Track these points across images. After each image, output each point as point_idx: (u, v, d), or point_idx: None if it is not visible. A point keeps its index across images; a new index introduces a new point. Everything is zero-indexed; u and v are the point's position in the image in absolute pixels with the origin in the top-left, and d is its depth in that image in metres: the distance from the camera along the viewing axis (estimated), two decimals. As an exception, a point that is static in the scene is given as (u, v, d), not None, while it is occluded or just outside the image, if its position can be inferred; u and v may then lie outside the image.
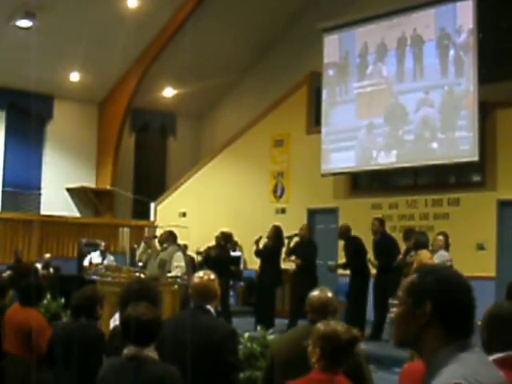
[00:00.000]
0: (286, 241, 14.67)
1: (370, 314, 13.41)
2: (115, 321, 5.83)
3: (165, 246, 13.42)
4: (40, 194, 22.66)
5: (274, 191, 19.87)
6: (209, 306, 5.07)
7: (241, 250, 19.50)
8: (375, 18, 17.12)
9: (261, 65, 22.48)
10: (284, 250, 14.64)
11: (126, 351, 4.25)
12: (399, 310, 2.58)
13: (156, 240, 15.11)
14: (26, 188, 22.35)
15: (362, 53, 17.35)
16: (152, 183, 24.75)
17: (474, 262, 14.94)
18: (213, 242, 15.81)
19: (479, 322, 3.67)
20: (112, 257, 18.37)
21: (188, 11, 20.10)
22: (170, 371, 4.29)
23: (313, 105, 19.26)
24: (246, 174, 20.64)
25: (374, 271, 13.62)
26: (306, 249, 14.49)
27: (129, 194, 23.81)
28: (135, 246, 19.24)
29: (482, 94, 15.21)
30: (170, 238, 13.37)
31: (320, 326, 4.12)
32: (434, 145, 15.91)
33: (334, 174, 17.98)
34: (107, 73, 21.74)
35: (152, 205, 23.36)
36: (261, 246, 14.64)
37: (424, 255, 11.43)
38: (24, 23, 18.91)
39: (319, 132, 18.10)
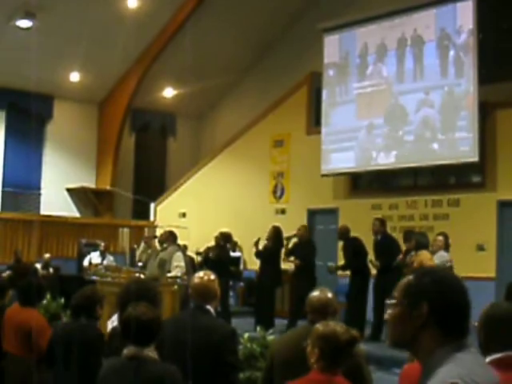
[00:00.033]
0: (284, 242, 14.68)
1: (369, 314, 13.41)
2: (113, 322, 5.83)
3: (165, 245, 13.42)
4: (40, 194, 22.65)
5: (274, 191, 19.87)
6: (209, 307, 5.07)
7: (240, 250, 19.50)
8: (375, 18, 17.12)
9: (261, 65, 22.48)
10: (283, 250, 14.65)
11: (126, 351, 4.25)
12: (395, 311, 2.59)
13: (156, 240, 15.11)
14: (26, 188, 22.35)
15: (362, 53, 17.35)
16: (152, 183, 24.75)
17: (474, 262, 14.94)
18: (212, 243, 15.81)
19: (476, 323, 3.68)
20: (111, 257, 18.37)
21: (188, 11, 20.10)
22: (171, 371, 4.29)
23: (313, 105, 19.26)
24: (246, 174, 20.64)
25: (374, 271, 13.62)
26: (304, 249, 14.49)
27: (129, 194, 23.81)
28: (135, 246, 19.23)
29: (482, 95, 15.21)
30: (170, 237, 13.37)
31: (319, 326, 4.12)
32: (434, 145, 15.91)
33: (334, 175, 17.98)
34: (107, 73, 21.74)
35: (152, 205, 23.36)
36: (260, 247, 14.63)
37: (424, 256, 11.45)
38: (24, 23, 18.91)
39: (319, 132, 18.09)
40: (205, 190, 21.53)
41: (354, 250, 13.92)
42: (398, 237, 14.01)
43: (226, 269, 14.80)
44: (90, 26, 19.01)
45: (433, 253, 11.82)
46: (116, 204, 23.77)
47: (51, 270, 18.33)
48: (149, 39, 21.00)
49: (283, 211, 19.44)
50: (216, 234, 15.84)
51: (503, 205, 15.23)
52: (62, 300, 11.01)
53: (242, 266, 19.29)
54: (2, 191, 21.98)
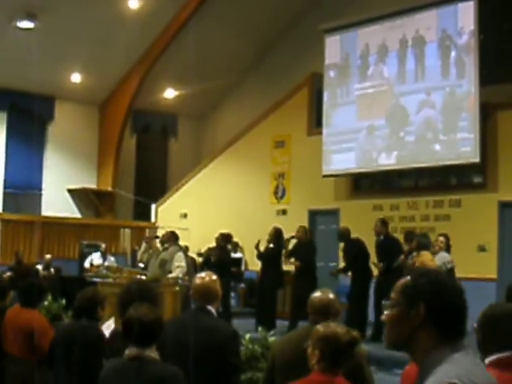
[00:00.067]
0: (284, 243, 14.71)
1: (371, 315, 13.40)
2: (109, 326, 5.84)
3: (166, 246, 13.44)
4: (41, 195, 22.66)
5: (275, 192, 19.88)
6: (210, 307, 5.07)
7: (242, 251, 19.49)
8: (377, 19, 17.12)
9: (262, 66, 22.49)
10: (284, 252, 14.65)
11: (127, 352, 4.25)
12: (392, 312, 2.61)
13: (157, 240, 15.12)
14: (27, 189, 22.36)
15: (364, 54, 17.35)
16: (153, 184, 24.75)
17: (476, 263, 14.95)
18: (213, 244, 15.81)
19: (475, 325, 3.69)
20: (112, 258, 18.40)
21: (189, 13, 20.11)
22: (173, 372, 4.29)
23: (314, 106, 19.26)
24: (247, 175, 20.64)
25: (375, 272, 13.60)
26: (304, 250, 14.49)
27: (130, 195, 23.82)
28: (136, 247, 19.25)
29: (483, 96, 15.21)
30: (171, 238, 13.39)
31: (319, 327, 4.13)
32: (436, 146, 15.91)
33: (335, 176, 17.99)
34: (108, 74, 21.76)
35: (153, 206, 23.36)
36: (261, 248, 14.63)
37: (426, 256, 11.45)
38: (25, 24, 18.93)
39: (320, 133, 18.10)
40: (206, 190, 21.53)
41: (355, 251, 13.92)
42: (399, 237, 14.00)
43: (227, 270, 14.80)
44: (91, 26, 19.04)
45: (434, 254, 11.82)
46: (117, 205, 23.78)
47: (52, 270, 18.34)
48: (150, 40, 21.01)
49: (284, 212, 19.45)
50: (216, 235, 15.84)
51: (504, 205, 15.23)
52: (64, 301, 11.02)
53: (243, 267, 19.28)
54: (4, 192, 21.99)
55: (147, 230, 21.72)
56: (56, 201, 22.44)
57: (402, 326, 2.56)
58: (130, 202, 24.06)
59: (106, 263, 17.33)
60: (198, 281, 5.16)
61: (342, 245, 15.04)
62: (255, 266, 16.38)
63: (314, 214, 18.81)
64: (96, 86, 22.32)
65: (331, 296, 4.79)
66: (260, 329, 8.30)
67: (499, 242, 15.23)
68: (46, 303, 10.52)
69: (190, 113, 24.54)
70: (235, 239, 18.75)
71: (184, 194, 22.47)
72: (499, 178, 15.34)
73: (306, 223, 17.96)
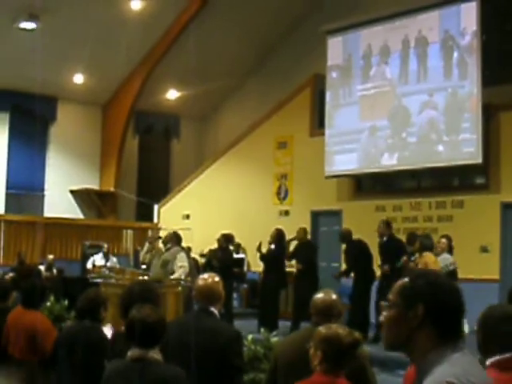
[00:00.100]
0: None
1: (373, 316, 13.39)
2: (107, 332, 5.86)
3: (168, 246, 13.44)
4: (43, 196, 22.68)
5: (278, 193, 19.87)
6: (213, 309, 5.07)
7: (244, 252, 19.49)
8: (379, 20, 17.11)
9: (264, 67, 22.49)
10: (286, 254, 14.68)
11: (130, 353, 4.25)
12: (391, 313, 2.63)
13: (160, 241, 15.13)
14: (30, 190, 22.38)
15: (366, 55, 17.34)
16: (155, 185, 24.76)
17: (478, 264, 14.94)
18: (215, 245, 15.80)
19: (475, 327, 3.70)
20: (115, 259, 18.41)
21: (191, 14, 20.12)
22: (176, 373, 4.29)
23: (316, 107, 19.26)
24: (250, 176, 20.64)
25: (378, 273, 13.59)
26: (305, 251, 14.51)
27: (132, 196, 23.83)
28: (139, 247, 19.25)
29: (485, 97, 15.20)
30: (173, 239, 13.39)
31: (321, 329, 4.13)
32: (438, 147, 15.90)
33: (338, 176, 17.98)
34: (111, 75, 21.76)
35: (155, 207, 23.37)
36: (263, 250, 14.63)
37: (429, 258, 11.45)
38: (28, 25, 18.95)
39: (323, 134, 18.09)
40: (208, 191, 21.54)
41: (356, 252, 13.91)
42: (402, 238, 13.98)
43: (229, 270, 14.80)
44: (93, 27, 19.04)
45: (436, 255, 11.81)
46: (120, 206, 23.80)
47: (55, 271, 18.35)
48: (152, 41, 21.02)
49: (287, 213, 19.44)
50: (218, 236, 15.81)
51: (507, 206, 15.22)
52: (66, 302, 11.01)
53: (245, 268, 19.28)
54: (6, 193, 22.00)
55: (150, 231, 21.72)
56: (58, 202, 22.46)
57: (400, 327, 2.58)
58: (133, 203, 24.08)
59: (109, 264, 17.34)
60: (200, 282, 5.15)
61: (343, 246, 15.03)
62: (258, 266, 16.38)
63: (316, 215, 18.80)
64: (98, 87, 22.34)
65: (334, 297, 4.79)
66: (262, 330, 8.30)
67: (501, 242, 15.22)
68: (48, 304, 10.51)
69: (192, 114, 24.55)
70: (238, 240, 18.76)
71: (186, 195, 22.47)
72: (502, 179, 15.33)
73: (308, 224, 17.97)
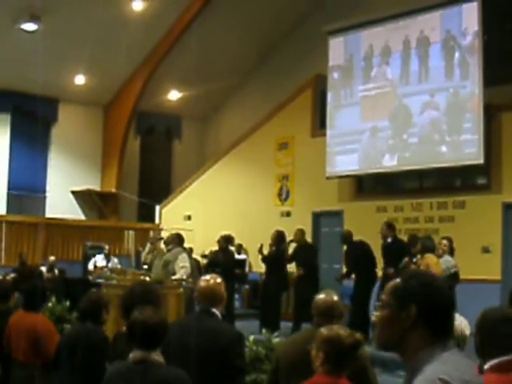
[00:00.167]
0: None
1: (374, 317, 13.37)
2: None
3: (169, 247, 13.44)
4: (45, 197, 22.69)
5: (279, 194, 19.87)
6: (215, 310, 5.06)
7: (246, 252, 19.49)
8: (380, 20, 17.10)
9: (265, 67, 22.50)
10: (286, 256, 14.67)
11: (132, 355, 4.24)
12: (383, 314, 2.65)
13: (162, 242, 15.12)
14: (32, 191, 22.39)
15: (367, 55, 17.34)
16: (157, 186, 24.78)
17: (480, 265, 14.93)
18: (216, 247, 15.78)
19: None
20: (116, 259, 18.41)
21: (193, 15, 20.12)
22: (178, 375, 4.28)
23: (317, 108, 19.26)
24: (251, 176, 20.64)
25: (379, 274, 13.58)
26: (304, 252, 14.49)
27: (134, 196, 23.84)
28: (140, 248, 19.26)
29: (486, 97, 15.20)
30: (175, 240, 13.39)
31: (323, 330, 4.15)
32: (440, 147, 15.89)
33: (339, 177, 17.98)
34: (112, 76, 21.77)
35: (157, 208, 23.39)
36: (265, 252, 14.62)
37: (430, 259, 11.44)
38: (29, 26, 18.95)
39: (324, 135, 18.09)
40: (210, 192, 21.54)
41: (358, 253, 13.89)
42: (404, 240, 13.96)
43: (231, 271, 14.79)
44: (95, 28, 19.06)
45: (438, 257, 11.80)
46: (121, 207, 23.81)
47: (56, 272, 18.35)
48: (154, 42, 21.03)
49: (288, 214, 19.44)
50: (217, 238, 15.77)
51: (508, 207, 15.21)
52: (67, 303, 11.02)
53: (247, 269, 19.27)
54: (8, 194, 22.02)
55: (151, 232, 21.73)
56: (60, 202, 22.47)
57: (393, 327, 2.60)
58: (134, 204, 24.09)
59: (110, 265, 17.35)
60: (202, 283, 5.15)
61: (344, 247, 15.01)
62: (259, 267, 16.37)
63: (317, 216, 18.80)
64: (100, 87, 22.35)
65: (335, 298, 4.80)
66: (264, 330, 8.30)
67: (503, 243, 15.21)
68: (49, 305, 10.52)
69: (193, 114, 24.57)
70: (239, 241, 18.78)
71: (188, 196, 22.48)
72: (503, 180, 15.32)
73: (309, 225, 17.99)
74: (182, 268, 12.61)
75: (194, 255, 17.03)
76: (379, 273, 13.54)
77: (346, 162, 17.53)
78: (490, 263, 15.13)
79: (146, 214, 23.74)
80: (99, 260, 18.07)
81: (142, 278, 12.56)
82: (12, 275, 12.98)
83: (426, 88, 16.17)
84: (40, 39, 17.69)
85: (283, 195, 19.79)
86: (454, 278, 12.06)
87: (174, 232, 14.20)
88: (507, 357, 3.55)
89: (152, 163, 24.90)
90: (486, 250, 15.31)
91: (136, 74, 22.07)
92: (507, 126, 15.35)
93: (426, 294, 2.57)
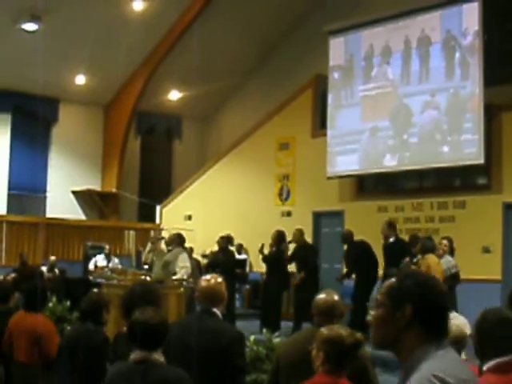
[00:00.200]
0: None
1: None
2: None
3: (170, 248, 13.45)
4: (46, 197, 22.69)
5: (280, 194, 19.87)
6: (215, 310, 5.06)
7: (246, 253, 19.49)
8: (381, 20, 17.10)
9: (266, 67, 22.49)
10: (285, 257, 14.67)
11: (133, 355, 4.24)
12: (379, 313, 2.67)
13: (162, 242, 15.13)
14: (32, 191, 22.40)
15: (368, 55, 17.34)
16: (157, 186, 24.77)
17: (480, 264, 14.93)
18: (216, 248, 15.79)
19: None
20: (117, 259, 18.43)
21: (193, 15, 20.12)
22: (179, 375, 4.28)
23: (318, 108, 19.25)
24: (252, 176, 20.64)
25: (380, 273, 13.58)
26: (304, 253, 14.48)
27: (134, 196, 23.84)
28: (141, 248, 19.26)
29: (487, 97, 15.19)
30: (176, 240, 13.39)
31: (324, 330, 4.15)
32: (440, 147, 15.89)
33: (340, 177, 17.97)
34: (113, 76, 21.76)
35: (157, 207, 23.38)
36: (266, 251, 14.62)
37: (431, 259, 11.44)
38: (30, 26, 18.95)
39: (325, 135, 18.09)
40: (210, 192, 21.54)
41: (358, 253, 13.89)
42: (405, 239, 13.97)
43: (231, 271, 14.79)
44: (95, 28, 19.06)
45: (438, 257, 11.80)
46: (122, 206, 23.80)
47: (57, 272, 18.35)
48: (154, 42, 21.03)
49: (289, 214, 19.44)
50: (217, 238, 15.76)
51: (509, 207, 15.21)
52: (68, 303, 11.03)
53: (247, 269, 19.27)
54: (8, 194, 22.02)
55: (152, 232, 21.73)
56: (60, 202, 22.47)
57: (388, 327, 2.62)
58: (135, 204, 24.09)
59: (111, 265, 17.36)
60: (203, 283, 5.15)
61: (345, 247, 15.01)
62: (260, 267, 16.37)
63: (318, 216, 18.80)
64: (100, 87, 22.35)
65: (336, 298, 4.80)
66: (264, 330, 8.31)
67: (504, 243, 15.21)
68: (50, 305, 10.53)
69: (194, 114, 24.56)
70: (240, 241, 18.77)
71: (188, 196, 22.48)
72: (504, 180, 15.32)
73: (310, 225, 18.00)
74: (182, 268, 12.61)
75: (195, 255, 17.04)
76: (380, 272, 13.54)
77: (346, 162, 17.52)
78: (490, 263, 15.13)
79: (147, 214, 23.74)
80: (100, 260, 18.08)
81: (142, 277, 12.57)
82: (12, 275, 12.99)
83: (426, 88, 16.17)
84: (40, 39, 17.68)
85: (284, 195, 19.78)
86: (454, 278, 12.07)
87: (174, 232, 14.21)
88: (505, 358, 3.56)
89: (152, 163, 24.90)
90: (486, 250, 15.30)
91: (136, 73, 22.07)
92: (507, 126, 15.35)
93: (421, 294, 2.59)
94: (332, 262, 17.63)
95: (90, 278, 15.09)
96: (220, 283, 5.16)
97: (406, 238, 13.91)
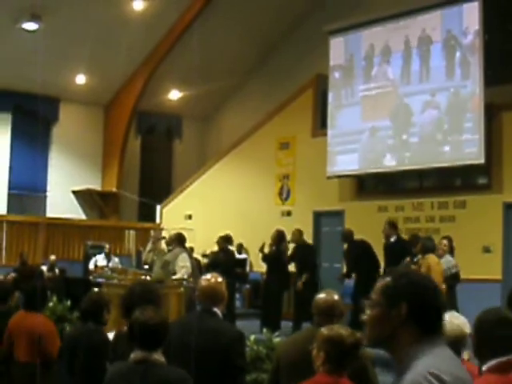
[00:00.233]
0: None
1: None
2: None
3: (170, 247, 13.45)
4: (46, 197, 22.69)
5: (280, 194, 19.86)
6: (216, 309, 5.06)
7: (246, 252, 19.48)
8: (381, 20, 17.09)
9: (266, 67, 22.49)
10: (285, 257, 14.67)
11: (133, 355, 4.24)
12: (374, 312, 2.68)
13: (163, 241, 15.12)
14: (32, 190, 22.39)
15: (368, 55, 17.34)
16: (158, 186, 24.77)
17: (480, 264, 14.92)
18: (216, 248, 15.79)
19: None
20: (117, 259, 18.42)
21: (193, 14, 20.12)
22: (179, 375, 4.28)
23: (318, 107, 19.25)
24: (252, 176, 20.63)
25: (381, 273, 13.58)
26: (302, 252, 14.48)
27: (134, 196, 23.84)
28: (141, 248, 19.25)
29: (487, 97, 15.19)
30: (176, 240, 13.38)
31: (324, 330, 4.16)
32: (440, 147, 15.89)
33: (340, 177, 17.97)
34: (113, 75, 21.76)
35: (158, 207, 23.38)
36: (266, 251, 14.62)
37: (432, 259, 11.44)
38: (30, 26, 18.94)
39: (325, 135, 18.08)
40: (211, 192, 21.53)
41: (358, 252, 13.89)
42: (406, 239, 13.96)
43: (231, 271, 14.79)
44: (95, 28, 19.06)
45: (439, 257, 11.81)
46: (122, 206, 23.80)
47: (57, 272, 18.35)
48: (154, 42, 21.03)
49: (289, 213, 19.43)
50: (216, 239, 15.75)
51: (509, 207, 15.20)
52: (68, 302, 11.03)
53: (248, 268, 19.27)
54: (8, 193, 22.02)
55: (152, 231, 21.72)
56: (61, 202, 22.47)
57: (383, 325, 2.64)
58: (135, 204, 24.08)
59: (111, 264, 17.35)
60: (203, 282, 5.15)
61: (345, 246, 15.01)
62: (260, 267, 16.36)
63: (318, 216, 18.79)
64: (100, 87, 22.35)
65: (336, 297, 4.80)
66: (265, 330, 8.31)
67: (504, 243, 15.21)
68: (50, 304, 10.53)
69: (194, 114, 24.56)
70: (240, 241, 18.76)
71: (189, 196, 22.47)
72: (504, 179, 15.32)
73: (310, 224, 17.99)
74: (182, 268, 12.60)
75: (195, 255, 17.03)
76: (381, 272, 13.55)
77: (346, 161, 17.52)
78: (490, 263, 15.12)
79: (147, 214, 23.74)
80: (100, 259, 18.07)
81: (142, 277, 12.57)
82: (13, 275, 13.01)
83: (426, 87, 16.17)
84: (41, 39, 17.67)
85: (284, 195, 19.78)
86: (454, 277, 12.08)
87: (175, 232, 14.20)
88: (505, 357, 3.57)
89: (153, 163, 24.90)
90: (486, 250, 15.30)
91: (137, 73, 22.07)
92: (508, 126, 15.34)
93: (416, 293, 2.61)
94: (332, 261, 17.63)
95: (90, 277, 15.09)
96: (220, 283, 5.15)
97: (406, 237, 13.92)
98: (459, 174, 16.56)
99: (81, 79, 21.67)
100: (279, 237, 14.48)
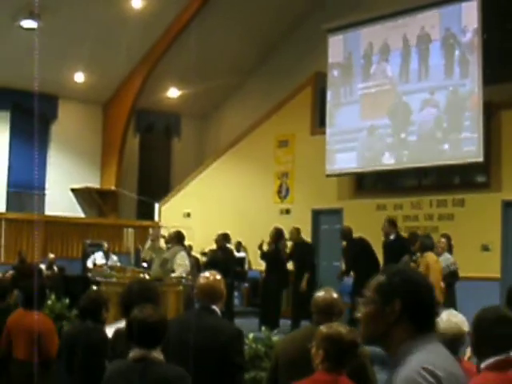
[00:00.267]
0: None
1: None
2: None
3: (169, 246, 13.44)
4: (44, 195, 22.67)
5: (279, 192, 19.87)
6: (214, 307, 5.06)
7: (245, 250, 19.48)
8: (380, 18, 17.10)
9: (265, 65, 22.48)
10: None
11: (132, 353, 4.23)
12: (368, 309, 2.70)
13: (162, 240, 15.11)
14: (31, 188, 22.34)
15: (367, 53, 17.34)
16: (156, 184, 24.75)
17: (479, 262, 14.94)
18: (214, 246, 15.80)
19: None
20: (115, 257, 18.40)
21: (192, 12, 20.11)
22: (179, 373, 4.28)
23: (317, 105, 19.25)
24: (251, 174, 20.63)
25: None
26: (301, 251, 14.48)
27: (133, 194, 23.83)
28: (139, 246, 19.24)
29: (486, 95, 15.20)
30: (175, 238, 13.38)
31: (323, 328, 4.16)
32: (439, 145, 15.90)
33: (339, 175, 17.97)
34: (112, 73, 21.75)
35: (156, 205, 23.37)
36: (265, 248, 14.62)
37: (430, 258, 11.45)
38: (28, 24, 18.92)
39: (324, 133, 18.09)
40: (209, 190, 21.53)
41: (357, 250, 13.89)
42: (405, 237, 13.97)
43: (230, 269, 14.79)
44: (94, 26, 19.05)
45: (437, 255, 11.81)
46: (120, 204, 23.79)
47: (56, 270, 18.34)
48: (153, 39, 21.02)
49: (288, 211, 19.43)
50: (214, 237, 15.75)
51: (508, 205, 15.22)
52: (67, 300, 11.03)
53: (246, 266, 19.28)
54: (7, 191, 22.01)
55: (150, 229, 21.71)
56: (59, 200, 22.45)
57: (378, 322, 2.66)
58: (134, 202, 24.08)
59: (109, 262, 17.33)
60: (202, 280, 5.15)
61: (344, 244, 15.01)
62: (259, 265, 16.38)
63: (317, 214, 18.80)
64: (99, 85, 22.33)
65: (335, 295, 4.80)
66: (263, 328, 8.31)
67: (503, 241, 15.22)
68: (49, 302, 10.53)
69: (193, 112, 24.54)
70: (239, 239, 18.76)
71: (187, 194, 22.47)
72: (503, 178, 15.33)
73: (309, 223, 18.00)
74: (180, 266, 12.60)
75: (194, 253, 17.04)
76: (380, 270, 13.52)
77: (345, 159, 17.52)
78: (489, 261, 15.14)
79: (146, 212, 23.73)
80: (98, 258, 18.06)
81: (141, 275, 12.56)
82: (11, 273, 12.99)
83: (425, 86, 16.17)
84: (39, 37, 17.66)
85: (283, 193, 19.78)
86: (453, 275, 12.09)
87: (174, 230, 14.20)
88: (504, 355, 3.57)
89: (151, 161, 24.88)
90: (485, 248, 15.31)
91: (135, 71, 22.05)
92: (507, 124, 15.35)
93: (410, 290, 2.63)
94: (331, 259, 17.63)
95: (89, 275, 15.08)
96: (219, 280, 5.15)
97: (405, 236, 13.91)
98: (458, 173, 16.57)
99: (79, 77, 21.65)
100: (277, 235, 14.48)
